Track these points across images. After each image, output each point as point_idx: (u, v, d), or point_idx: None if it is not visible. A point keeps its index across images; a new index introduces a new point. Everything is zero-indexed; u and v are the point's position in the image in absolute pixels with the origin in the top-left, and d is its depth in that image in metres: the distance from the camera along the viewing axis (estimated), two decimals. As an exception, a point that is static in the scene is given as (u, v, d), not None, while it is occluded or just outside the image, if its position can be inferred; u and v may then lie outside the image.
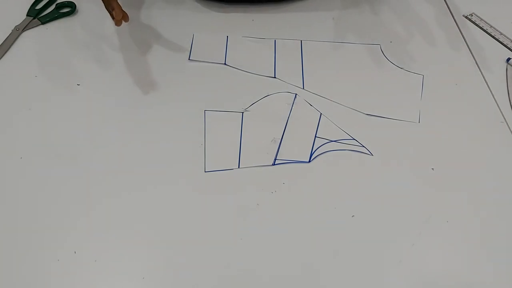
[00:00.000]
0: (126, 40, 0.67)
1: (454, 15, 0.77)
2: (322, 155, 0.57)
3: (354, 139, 0.59)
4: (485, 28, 0.75)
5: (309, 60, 0.68)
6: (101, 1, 0.58)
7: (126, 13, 0.58)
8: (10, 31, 0.66)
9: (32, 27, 0.68)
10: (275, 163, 0.56)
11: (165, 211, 0.51)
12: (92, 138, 0.56)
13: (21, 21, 0.68)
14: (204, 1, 0.74)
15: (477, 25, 0.76)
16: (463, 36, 0.74)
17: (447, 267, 0.49)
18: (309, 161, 0.56)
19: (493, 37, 0.74)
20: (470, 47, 0.72)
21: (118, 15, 0.56)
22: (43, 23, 0.69)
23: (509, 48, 0.72)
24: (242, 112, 0.60)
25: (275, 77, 0.65)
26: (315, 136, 0.59)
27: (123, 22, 0.57)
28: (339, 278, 0.48)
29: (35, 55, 0.64)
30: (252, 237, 0.49)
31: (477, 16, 0.77)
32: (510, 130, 0.62)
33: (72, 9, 0.70)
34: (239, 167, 0.55)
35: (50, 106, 0.59)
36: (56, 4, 0.71)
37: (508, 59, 0.70)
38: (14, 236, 0.48)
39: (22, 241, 0.48)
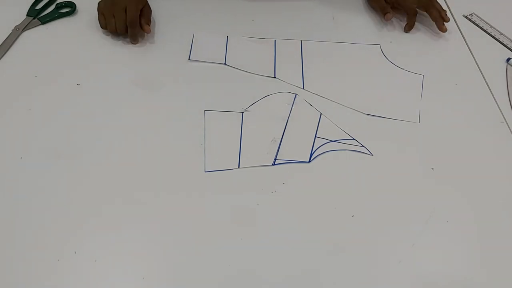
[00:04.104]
0: (126, 40, 0.67)
1: (454, 15, 0.77)
2: (322, 155, 0.57)
3: (354, 139, 0.59)
4: (485, 28, 0.75)
5: (309, 60, 0.68)
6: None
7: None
8: (10, 31, 0.66)
9: (32, 27, 0.68)
10: (275, 163, 0.56)
11: (165, 211, 0.51)
12: (92, 138, 0.56)
13: (21, 21, 0.68)
14: None
15: (477, 25, 0.76)
16: (463, 36, 0.74)
17: (447, 267, 0.49)
18: (309, 161, 0.56)
19: (493, 37, 0.74)
20: (470, 47, 0.72)
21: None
22: (43, 23, 0.69)
23: (509, 48, 0.72)
24: (242, 112, 0.60)
25: (275, 77, 0.65)
26: (315, 136, 0.59)
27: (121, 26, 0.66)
28: (339, 278, 0.47)
29: (35, 55, 0.64)
30: (252, 237, 0.49)
31: (477, 16, 0.77)
32: (510, 130, 0.62)
33: (72, 9, 0.70)
34: (239, 167, 0.55)
35: (50, 106, 0.59)
36: (56, 4, 0.71)
37: (508, 59, 0.70)
38: (14, 236, 0.48)
39: (22, 241, 0.48)
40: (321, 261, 0.48)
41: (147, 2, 0.68)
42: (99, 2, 0.67)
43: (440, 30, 0.72)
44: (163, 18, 0.71)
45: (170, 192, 0.52)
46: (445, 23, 0.72)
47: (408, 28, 0.73)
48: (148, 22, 0.68)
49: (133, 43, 0.66)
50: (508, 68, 0.69)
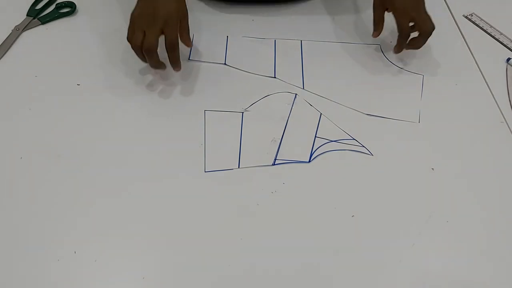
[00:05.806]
0: (126, 40, 0.67)
1: (454, 15, 0.77)
2: (322, 155, 0.57)
3: (354, 139, 0.59)
4: (485, 28, 0.75)
5: (309, 60, 0.68)
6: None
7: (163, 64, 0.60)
8: (10, 31, 0.66)
9: (32, 27, 0.68)
10: (275, 163, 0.56)
11: (165, 211, 0.51)
12: (92, 138, 0.56)
13: (21, 21, 0.68)
14: (205, 0, 0.74)
15: (477, 25, 0.76)
16: (463, 36, 0.74)
17: (447, 267, 0.49)
18: (309, 161, 0.56)
19: (493, 37, 0.74)
20: (470, 47, 0.72)
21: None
22: (43, 23, 0.69)
23: (509, 48, 0.72)
24: (242, 112, 0.60)
25: (275, 77, 0.65)
26: (315, 136, 0.59)
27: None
28: (339, 278, 0.48)
29: (35, 55, 0.64)
30: (252, 237, 0.49)
31: (477, 16, 0.77)
32: (510, 130, 0.62)
33: (72, 9, 0.70)
34: (239, 167, 0.55)
35: (50, 106, 0.59)
36: (56, 4, 0.71)
37: (508, 59, 0.70)
38: (14, 236, 0.48)
39: (22, 241, 0.48)
40: (321, 261, 0.48)
41: (187, 13, 0.60)
42: (133, 11, 0.58)
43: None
44: (163, 18, 0.71)
45: (170, 192, 0.52)
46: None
47: (396, 50, 0.66)
48: (187, 38, 0.59)
49: (175, 70, 0.59)
50: (508, 68, 0.69)
